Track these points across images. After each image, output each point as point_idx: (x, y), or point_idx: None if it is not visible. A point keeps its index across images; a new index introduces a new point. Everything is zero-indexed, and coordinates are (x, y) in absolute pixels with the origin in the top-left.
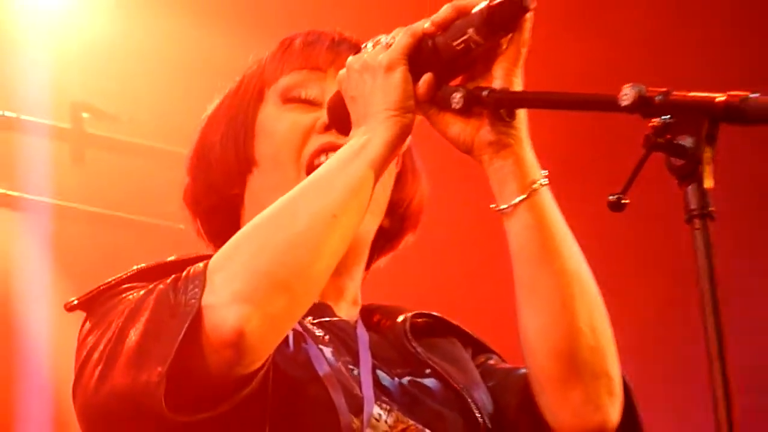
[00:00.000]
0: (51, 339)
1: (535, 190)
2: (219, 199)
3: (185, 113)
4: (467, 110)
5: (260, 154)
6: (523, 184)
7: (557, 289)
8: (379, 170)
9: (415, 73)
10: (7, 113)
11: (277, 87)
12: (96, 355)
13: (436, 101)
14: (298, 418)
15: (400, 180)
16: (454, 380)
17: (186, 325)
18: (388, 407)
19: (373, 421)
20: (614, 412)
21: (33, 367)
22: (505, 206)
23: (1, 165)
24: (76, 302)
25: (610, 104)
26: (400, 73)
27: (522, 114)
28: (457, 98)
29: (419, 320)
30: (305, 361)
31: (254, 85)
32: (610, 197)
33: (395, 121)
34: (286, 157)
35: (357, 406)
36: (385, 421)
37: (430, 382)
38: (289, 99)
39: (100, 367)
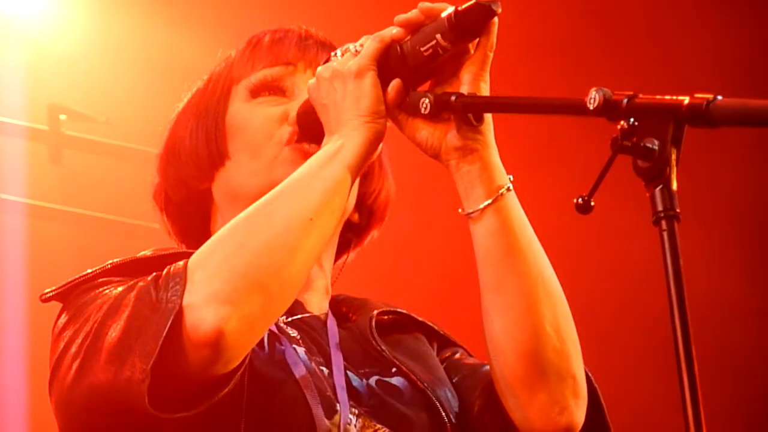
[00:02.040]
0: (27, 341)
1: (501, 194)
2: (188, 194)
3: (161, 114)
4: (435, 115)
5: (234, 148)
6: (489, 188)
7: (522, 291)
8: (354, 174)
9: (384, 78)
10: None
11: (246, 82)
12: (74, 349)
13: (404, 107)
14: (273, 419)
15: (367, 174)
16: (419, 379)
17: (169, 322)
18: (356, 411)
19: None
20: (580, 414)
21: (8, 371)
22: (471, 211)
23: None
24: (51, 294)
25: (577, 108)
26: (369, 79)
27: (489, 119)
28: (425, 104)
29: (384, 317)
30: (280, 361)
31: (223, 82)
32: (578, 199)
33: (368, 126)
34: (262, 145)
35: (330, 409)
36: (354, 426)
37: (396, 381)
38: (258, 92)
39: (78, 361)
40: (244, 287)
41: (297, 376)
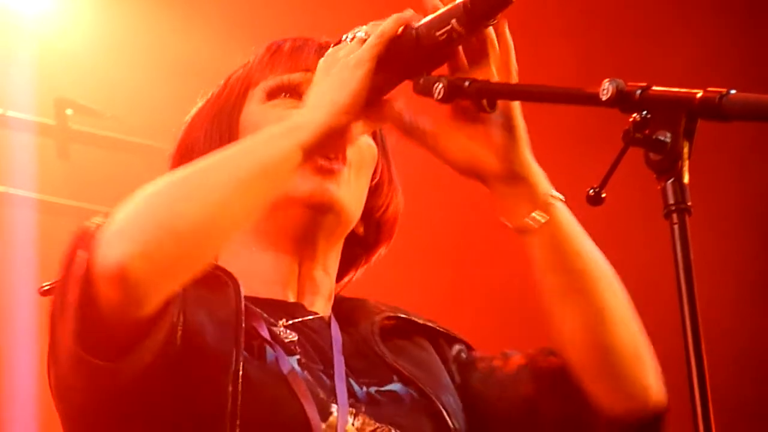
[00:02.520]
0: (37, 335)
1: (552, 205)
2: None
3: (168, 109)
4: (449, 101)
5: None
6: (537, 203)
7: (591, 293)
8: (304, 155)
9: (397, 62)
10: None
11: (263, 85)
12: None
13: (419, 90)
14: (267, 421)
15: (376, 190)
16: (423, 384)
17: (84, 265)
18: (354, 410)
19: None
20: (663, 391)
21: (19, 364)
22: (522, 226)
23: None
24: (48, 287)
25: (590, 98)
26: (361, 73)
27: (523, 132)
28: (439, 88)
29: (387, 323)
30: (272, 366)
31: (240, 85)
32: (589, 191)
33: (335, 117)
34: None
35: (324, 411)
36: (353, 425)
37: (398, 387)
38: (275, 94)
39: (53, 348)
40: (152, 228)
41: (290, 380)
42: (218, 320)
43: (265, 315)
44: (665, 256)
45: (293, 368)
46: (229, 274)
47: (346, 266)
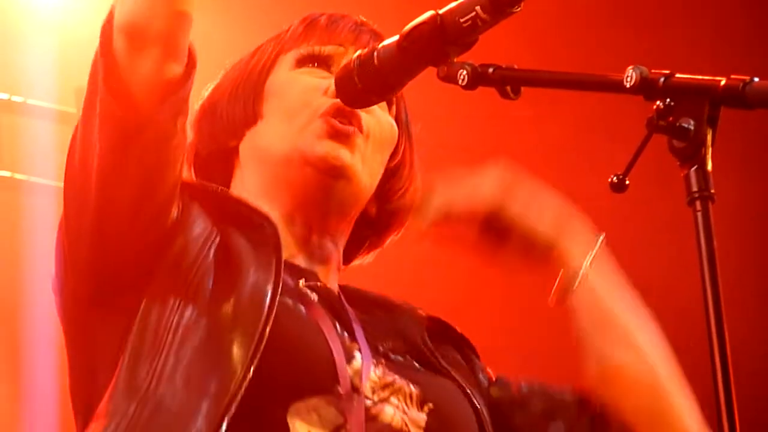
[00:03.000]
0: (57, 324)
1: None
2: (217, 149)
3: None
4: (472, 88)
5: (269, 109)
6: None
7: (635, 353)
8: None
9: (421, 48)
10: (14, 98)
11: (294, 53)
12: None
13: (443, 77)
14: (294, 348)
15: (396, 172)
16: (466, 385)
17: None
18: (374, 361)
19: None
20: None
21: (39, 353)
22: (559, 298)
23: (7, 149)
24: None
25: (614, 85)
26: None
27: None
28: (463, 75)
29: (428, 323)
30: (301, 312)
31: (270, 51)
32: (612, 178)
33: None
34: (297, 111)
35: (348, 354)
36: (374, 372)
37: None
38: (305, 62)
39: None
40: None
41: (318, 320)
42: (257, 244)
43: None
44: (689, 244)
45: (323, 313)
46: (265, 217)
47: (353, 248)
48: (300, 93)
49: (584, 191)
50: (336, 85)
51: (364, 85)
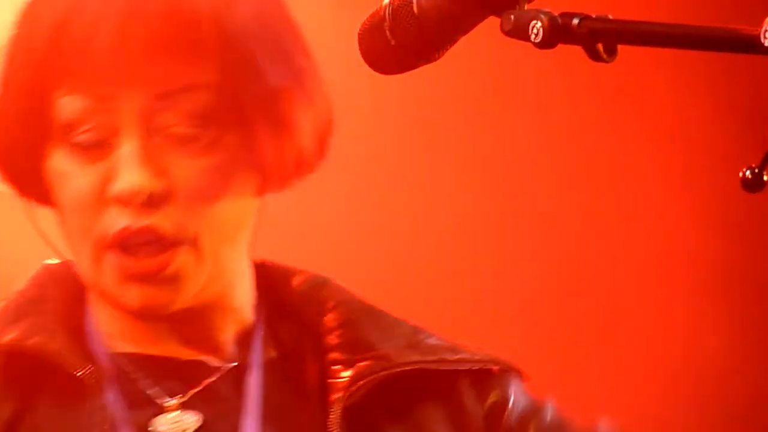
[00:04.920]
0: None
1: None
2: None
3: None
4: (549, 46)
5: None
6: None
7: None
8: None
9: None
10: None
11: (57, 116)
12: None
13: (509, 31)
14: None
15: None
16: None
17: None
18: None
19: None
20: None
21: None
22: None
23: None
24: None
25: (747, 43)
26: None
27: None
28: (537, 28)
29: (359, 395)
30: None
31: (32, 90)
32: (745, 172)
33: None
34: (79, 232)
35: None
36: None
37: None
38: (70, 142)
39: None
40: None
41: None
42: None
43: (148, 394)
44: None
45: None
46: (95, 371)
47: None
48: (75, 206)
49: None
50: (360, 42)
51: (399, 42)
